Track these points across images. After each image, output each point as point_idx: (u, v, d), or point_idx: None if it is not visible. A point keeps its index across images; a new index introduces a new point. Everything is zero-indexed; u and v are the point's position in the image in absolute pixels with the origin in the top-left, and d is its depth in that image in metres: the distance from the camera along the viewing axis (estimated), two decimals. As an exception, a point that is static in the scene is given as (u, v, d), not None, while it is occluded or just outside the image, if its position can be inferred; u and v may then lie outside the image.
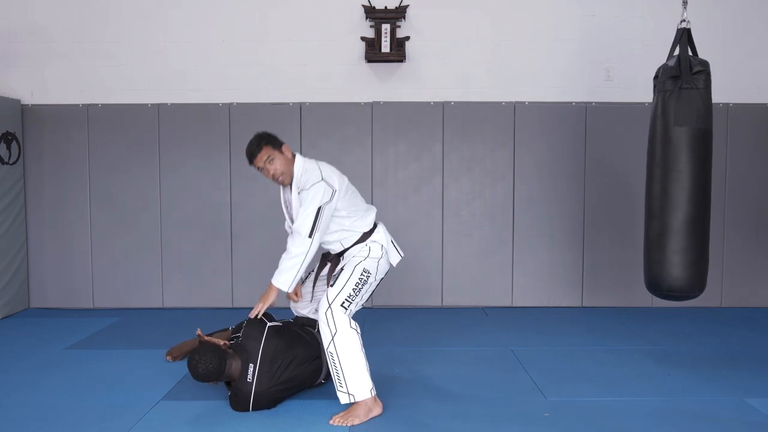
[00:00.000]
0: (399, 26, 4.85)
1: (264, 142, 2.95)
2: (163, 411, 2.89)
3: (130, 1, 4.97)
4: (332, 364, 2.76)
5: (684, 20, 3.34)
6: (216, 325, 4.21)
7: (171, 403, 2.98)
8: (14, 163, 4.83)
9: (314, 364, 3.03)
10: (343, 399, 2.75)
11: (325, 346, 2.78)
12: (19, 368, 3.51)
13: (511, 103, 4.94)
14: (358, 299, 2.86)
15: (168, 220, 4.99)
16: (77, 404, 2.96)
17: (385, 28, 4.80)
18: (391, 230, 4.81)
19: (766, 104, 4.96)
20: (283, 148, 2.97)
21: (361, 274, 2.87)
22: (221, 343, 2.89)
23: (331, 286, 2.84)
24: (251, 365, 2.82)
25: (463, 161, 4.95)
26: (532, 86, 4.98)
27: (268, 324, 2.97)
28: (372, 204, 4.93)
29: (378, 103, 4.91)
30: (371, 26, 4.87)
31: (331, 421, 2.74)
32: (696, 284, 3.31)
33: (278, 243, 4.94)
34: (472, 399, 3.03)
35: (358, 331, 2.82)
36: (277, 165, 2.91)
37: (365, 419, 2.74)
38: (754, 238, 4.98)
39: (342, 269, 2.92)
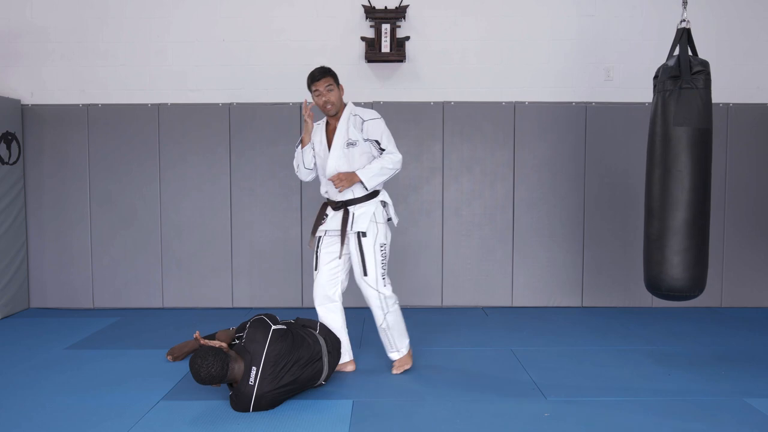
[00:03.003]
0: (399, 26, 4.85)
1: (329, 72, 3.28)
2: (163, 411, 2.89)
3: (130, 1, 4.97)
4: (385, 333, 3.36)
5: (684, 20, 3.34)
6: (216, 325, 4.22)
7: (171, 403, 2.98)
8: (14, 163, 4.83)
9: (316, 365, 3.03)
10: (395, 356, 3.42)
11: (379, 323, 3.32)
12: (19, 368, 3.51)
13: (511, 103, 4.94)
14: (386, 267, 3.32)
15: (168, 220, 4.99)
16: (77, 404, 2.96)
17: (385, 28, 4.80)
18: (392, 230, 4.83)
19: (765, 104, 4.96)
20: (341, 87, 3.32)
21: (381, 250, 3.28)
22: (222, 345, 2.89)
23: (366, 275, 3.25)
24: (254, 368, 2.82)
25: (463, 161, 4.95)
26: (532, 86, 4.98)
27: (273, 327, 2.96)
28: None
29: (378, 103, 4.91)
30: (371, 26, 4.87)
31: (394, 370, 3.38)
32: (696, 284, 3.31)
33: (278, 243, 4.98)
34: (472, 399, 3.03)
35: (397, 301, 3.37)
36: (333, 95, 3.26)
37: (410, 363, 3.44)
38: (754, 238, 4.98)
39: (361, 251, 3.25)
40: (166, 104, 4.96)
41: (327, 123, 3.37)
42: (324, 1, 4.96)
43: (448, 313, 4.84)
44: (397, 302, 3.35)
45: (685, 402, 2.98)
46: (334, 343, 3.23)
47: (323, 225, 3.35)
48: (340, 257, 3.33)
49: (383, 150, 3.27)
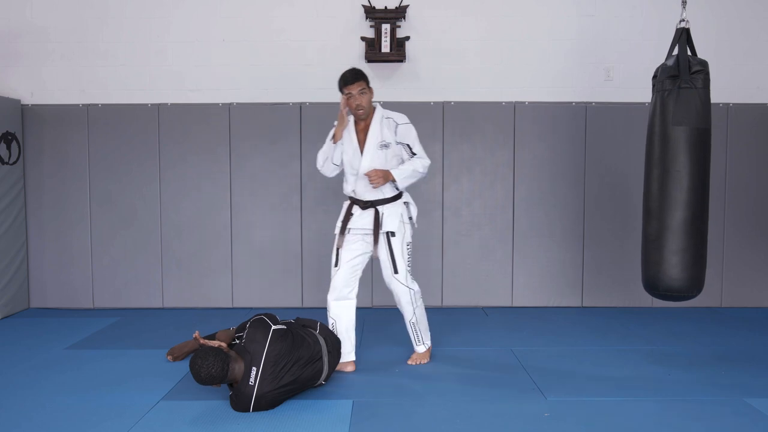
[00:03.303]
0: (399, 26, 4.85)
1: (362, 76, 3.38)
2: (163, 411, 2.89)
3: (130, 1, 4.97)
4: (414, 328, 3.53)
5: (683, 20, 3.33)
6: (216, 325, 4.23)
7: (171, 403, 2.98)
8: (14, 163, 4.83)
9: (316, 365, 3.03)
10: (421, 349, 3.59)
11: (409, 318, 3.49)
12: (19, 368, 3.51)
13: (511, 103, 4.94)
14: (411, 265, 3.49)
15: (168, 220, 4.99)
16: (77, 404, 2.96)
17: (385, 28, 4.79)
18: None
19: (765, 104, 4.96)
20: (371, 90, 3.43)
21: (408, 249, 3.45)
22: (222, 345, 2.89)
23: (396, 273, 3.40)
24: (254, 368, 2.82)
25: (463, 161, 4.95)
26: (532, 86, 4.98)
27: (273, 327, 2.96)
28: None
29: (378, 103, 4.90)
30: (371, 26, 4.87)
31: (409, 362, 3.54)
32: (694, 285, 3.30)
33: (278, 243, 4.97)
34: (472, 399, 3.03)
35: (421, 297, 3.55)
36: (365, 99, 3.37)
37: (429, 356, 3.62)
38: (754, 238, 4.98)
39: (391, 250, 3.39)
40: (166, 104, 4.96)
41: (355, 122, 3.47)
42: (324, 1, 4.96)
43: (448, 313, 4.84)
44: (421, 297, 3.53)
45: (685, 402, 2.98)
46: (334, 343, 3.23)
47: (350, 223, 3.44)
48: (376, 256, 3.45)
49: (414, 154, 3.42)
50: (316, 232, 4.97)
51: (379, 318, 4.62)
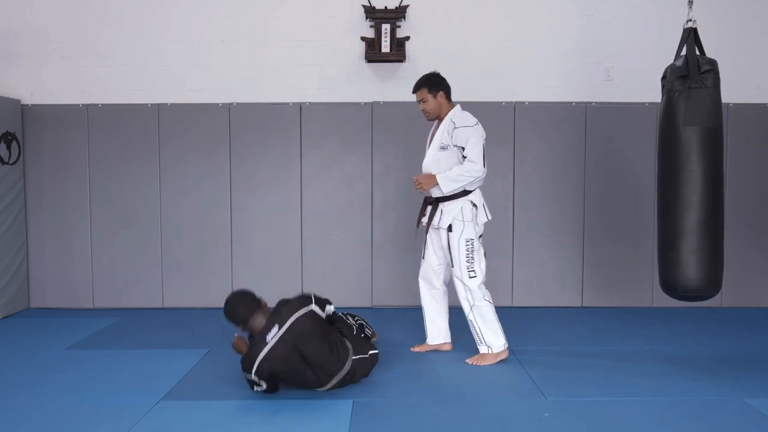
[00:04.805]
0: (399, 26, 4.85)
1: (424, 85, 3.56)
2: (163, 411, 2.89)
3: (130, 1, 4.97)
4: (472, 326, 3.53)
5: (690, 20, 3.32)
6: (216, 325, 4.21)
7: (171, 403, 2.98)
8: (14, 163, 4.83)
9: (322, 378, 3.02)
10: (483, 350, 3.54)
11: (466, 314, 3.51)
12: (19, 368, 3.51)
13: (511, 103, 4.94)
14: (476, 264, 3.49)
15: (168, 220, 4.99)
16: (77, 404, 2.97)
17: (385, 28, 4.80)
18: (392, 230, 4.86)
19: (765, 104, 4.96)
20: (439, 95, 3.54)
21: (466, 246, 3.48)
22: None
23: (452, 266, 3.53)
24: (276, 326, 2.94)
25: (463, 161, 4.94)
26: (532, 86, 4.98)
27: (312, 307, 3.10)
28: (372, 204, 4.95)
29: (378, 103, 4.91)
30: (371, 26, 4.87)
31: (467, 361, 3.52)
32: (712, 284, 3.28)
33: (278, 243, 4.97)
34: (472, 399, 3.03)
35: (491, 300, 3.53)
36: (427, 105, 3.56)
37: (494, 362, 3.52)
38: (754, 238, 4.98)
39: (449, 247, 3.50)
40: (166, 104, 4.96)
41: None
42: (324, 1, 4.96)
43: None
44: (488, 299, 3.51)
45: (685, 402, 2.98)
46: (360, 370, 3.17)
47: (424, 218, 3.67)
48: (424, 242, 3.69)
49: (465, 158, 3.46)
50: (317, 231, 4.97)
51: (379, 318, 4.62)
